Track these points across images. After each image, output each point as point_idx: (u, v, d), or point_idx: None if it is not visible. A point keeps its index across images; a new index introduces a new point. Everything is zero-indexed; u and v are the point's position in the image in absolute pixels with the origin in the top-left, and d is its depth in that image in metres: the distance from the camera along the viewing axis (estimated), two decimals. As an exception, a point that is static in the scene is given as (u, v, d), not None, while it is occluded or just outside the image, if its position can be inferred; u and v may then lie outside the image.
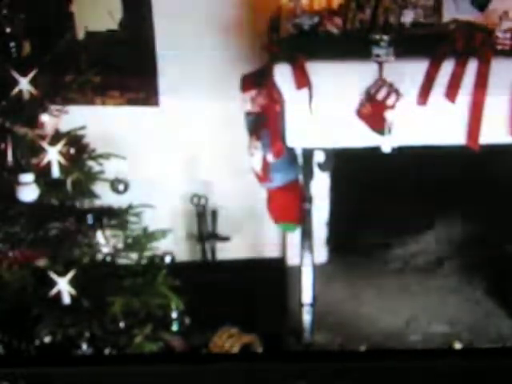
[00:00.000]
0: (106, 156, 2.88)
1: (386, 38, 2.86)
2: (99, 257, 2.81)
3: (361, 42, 2.90)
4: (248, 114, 3.20)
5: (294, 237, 3.54)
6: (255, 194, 3.67)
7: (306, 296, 3.37)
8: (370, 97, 2.93)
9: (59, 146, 2.60)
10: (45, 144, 2.58)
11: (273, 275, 3.84)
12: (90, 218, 2.74)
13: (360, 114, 2.96)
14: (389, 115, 2.94)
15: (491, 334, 3.40)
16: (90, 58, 3.67)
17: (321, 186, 3.66)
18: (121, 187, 2.92)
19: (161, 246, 3.00)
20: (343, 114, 2.98)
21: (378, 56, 2.88)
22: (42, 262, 2.68)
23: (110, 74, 3.70)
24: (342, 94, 2.96)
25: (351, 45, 2.93)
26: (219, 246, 3.94)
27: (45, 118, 2.69)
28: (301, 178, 3.30)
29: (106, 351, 2.74)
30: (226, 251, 3.96)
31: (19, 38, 2.67)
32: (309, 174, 3.27)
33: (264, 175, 3.24)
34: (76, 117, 2.81)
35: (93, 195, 2.85)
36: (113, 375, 1.62)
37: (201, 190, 3.86)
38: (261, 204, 3.54)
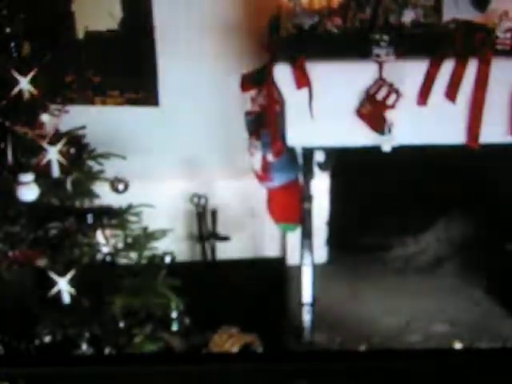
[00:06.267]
0: (106, 156, 2.88)
1: (386, 37, 2.86)
2: (99, 257, 2.81)
3: (361, 41, 2.90)
4: (248, 113, 3.21)
5: (294, 237, 3.54)
6: (255, 194, 3.67)
7: (306, 296, 3.37)
8: (369, 97, 2.93)
9: (59, 146, 2.60)
10: (45, 144, 2.58)
11: (273, 275, 3.84)
12: (89, 218, 2.74)
13: (360, 113, 2.96)
14: (389, 115, 2.94)
15: (491, 334, 3.40)
16: (90, 57, 3.67)
17: (321, 186, 3.66)
18: (121, 187, 2.92)
19: (161, 246, 3.00)
20: (343, 114, 2.98)
21: (378, 56, 2.88)
22: (41, 262, 2.67)
23: (110, 74, 3.70)
24: (341, 93, 2.96)
25: (351, 45, 2.93)
26: (219, 246, 3.94)
27: (45, 117, 2.69)
28: (301, 177, 3.30)
29: (106, 351, 2.74)
30: (226, 251, 3.96)
31: (19, 37, 2.67)
32: (309, 174, 3.27)
33: (264, 175, 3.24)
34: (76, 117, 2.81)
35: (93, 195, 2.86)
36: (113, 375, 1.62)
37: (201, 190, 3.86)
38: (261, 204, 3.55)
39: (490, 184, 3.77)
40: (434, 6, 3.04)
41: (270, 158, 3.13)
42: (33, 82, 2.55)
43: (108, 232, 2.80)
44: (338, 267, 3.95)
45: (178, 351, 3.13)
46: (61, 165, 2.61)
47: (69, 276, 2.59)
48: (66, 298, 2.61)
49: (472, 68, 2.90)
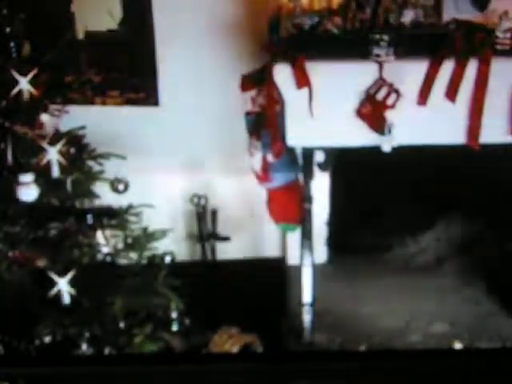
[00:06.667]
0: (106, 156, 2.88)
1: (386, 37, 2.86)
2: (99, 257, 2.81)
3: (361, 41, 2.90)
4: (248, 113, 3.20)
5: (294, 237, 3.54)
6: (255, 194, 3.68)
7: (306, 296, 3.37)
8: (369, 97, 2.93)
9: (59, 146, 2.60)
10: (45, 144, 2.58)
11: (273, 275, 3.84)
12: (89, 218, 2.74)
13: (360, 113, 2.96)
14: (389, 115, 2.94)
15: (491, 334, 3.40)
16: (90, 58, 3.68)
17: (321, 186, 3.66)
18: (121, 187, 2.92)
19: (161, 246, 3.00)
20: (343, 114, 2.98)
21: (378, 56, 2.88)
22: (41, 262, 2.67)
23: (110, 74, 3.70)
24: (341, 93, 2.96)
25: (351, 45, 2.93)
26: (219, 246, 3.94)
27: (45, 117, 2.69)
28: (301, 177, 3.30)
29: (106, 351, 2.74)
30: (226, 251, 3.96)
31: (19, 37, 2.67)
32: (309, 174, 3.27)
33: (264, 175, 3.24)
34: (76, 117, 2.81)
35: (93, 195, 2.85)
36: (113, 375, 1.62)
37: (201, 190, 3.86)
38: (261, 204, 3.55)
39: (490, 184, 3.77)
40: (434, 6, 3.04)
41: (270, 158, 3.12)
42: (33, 82, 2.55)
43: (108, 232, 2.80)
44: (338, 267, 3.95)
45: (178, 351, 3.13)
46: (61, 165, 2.61)
47: (69, 276, 2.59)
48: (66, 298, 2.61)
49: (472, 68, 2.90)
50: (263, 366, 1.63)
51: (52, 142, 2.59)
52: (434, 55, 2.91)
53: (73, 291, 2.60)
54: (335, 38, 2.98)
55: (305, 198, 3.28)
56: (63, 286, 2.59)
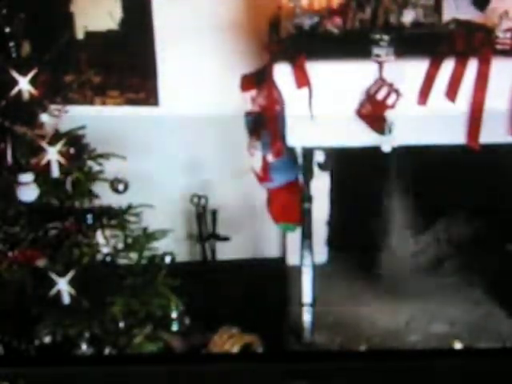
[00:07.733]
0: (106, 156, 2.88)
1: (386, 37, 2.86)
2: (99, 257, 2.81)
3: (361, 41, 2.90)
4: (248, 113, 3.20)
5: (294, 237, 3.54)
6: (255, 194, 3.67)
7: (306, 296, 3.37)
8: (369, 97, 2.93)
9: (59, 146, 2.60)
10: (44, 144, 2.58)
11: (273, 275, 3.84)
12: (89, 218, 2.74)
13: (360, 113, 2.96)
14: (389, 115, 2.94)
15: (491, 334, 3.40)
16: (90, 58, 3.68)
17: (321, 186, 3.66)
18: (121, 187, 2.92)
19: (161, 246, 3.00)
20: (343, 114, 2.98)
21: (378, 56, 2.88)
22: (41, 262, 2.67)
23: (110, 74, 3.70)
24: (341, 93, 2.96)
25: (351, 45, 2.93)
26: (219, 246, 3.94)
27: (45, 118, 2.69)
28: (301, 178, 3.30)
29: (106, 351, 2.74)
30: (226, 251, 3.96)
31: (19, 38, 2.67)
32: (309, 174, 3.27)
33: (264, 175, 3.24)
34: (76, 117, 2.81)
35: (93, 195, 2.85)
36: (113, 375, 1.62)
37: (201, 190, 3.86)
38: (261, 204, 3.55)
39: (490, 184, 3.77)
40: (434, 6, 3.05)
41: (270, 158, 3.13)
42: (33, 82, 2.55)
43: (108, 232, 2.79)
44: (338, 267, 3.95)
45: (178, 351, 3.13)
46: (61, 165, 2.61)
47: (69, 276, 2.59)
48: (66, 298, 2.60)
49: (472, 68, 2.90)
50: (263, 366, 1.63)
51: (52, 142, 2.59)
52: (434, 55, 2.91)
53: (73, 291, 2.60)
54: (335, 38, 2.99)
55: (305, 198, 3.28)
56: (63, 286, 2.59)
